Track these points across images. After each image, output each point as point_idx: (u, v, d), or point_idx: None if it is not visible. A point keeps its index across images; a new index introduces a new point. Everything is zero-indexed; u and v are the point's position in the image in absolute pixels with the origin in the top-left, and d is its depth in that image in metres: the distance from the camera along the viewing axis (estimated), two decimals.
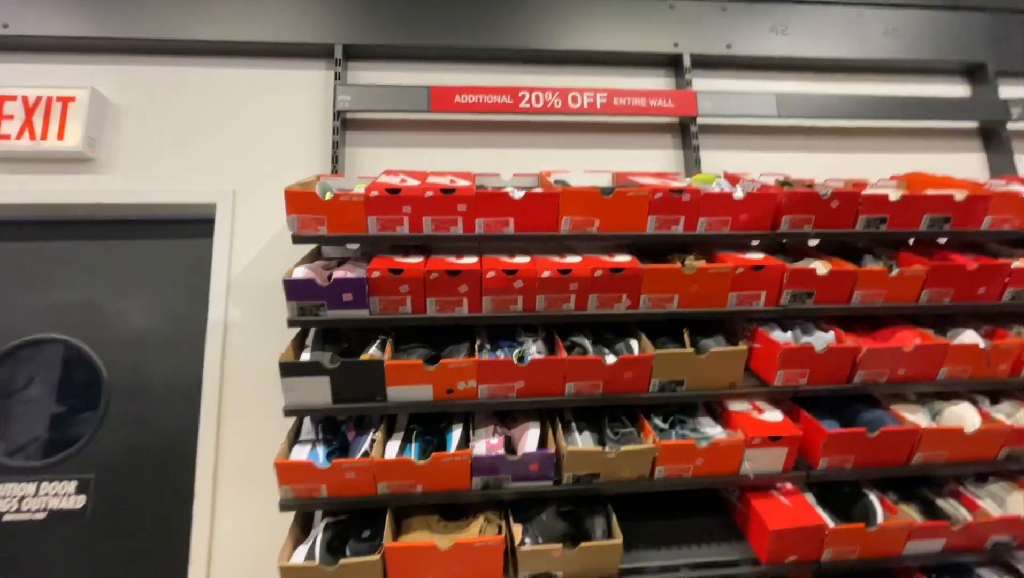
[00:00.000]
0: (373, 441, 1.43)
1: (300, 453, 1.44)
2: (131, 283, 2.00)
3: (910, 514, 1.54)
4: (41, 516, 1.88)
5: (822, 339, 1.56)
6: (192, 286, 1.98)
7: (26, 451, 1.91)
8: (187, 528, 1.82)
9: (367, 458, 1.38)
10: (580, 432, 1.52)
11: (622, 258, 1.55)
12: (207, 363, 1.87)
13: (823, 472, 1.53)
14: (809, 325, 1.65)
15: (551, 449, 1.45)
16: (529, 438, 1.47)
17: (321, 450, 1.45)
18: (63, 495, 1.89)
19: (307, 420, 1.56)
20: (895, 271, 1.58)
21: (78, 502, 1.90)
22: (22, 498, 1.88)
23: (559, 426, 1.51)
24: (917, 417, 1.59)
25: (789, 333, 1.60)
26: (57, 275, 1.98)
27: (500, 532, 1.43)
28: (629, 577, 1.44)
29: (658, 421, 1.56)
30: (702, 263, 1.53)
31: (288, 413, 1.42)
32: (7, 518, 1.86)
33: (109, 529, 1.89)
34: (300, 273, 1.44)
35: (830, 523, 1.47)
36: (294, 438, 1.50)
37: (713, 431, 1.54)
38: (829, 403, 1.65)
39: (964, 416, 1.58)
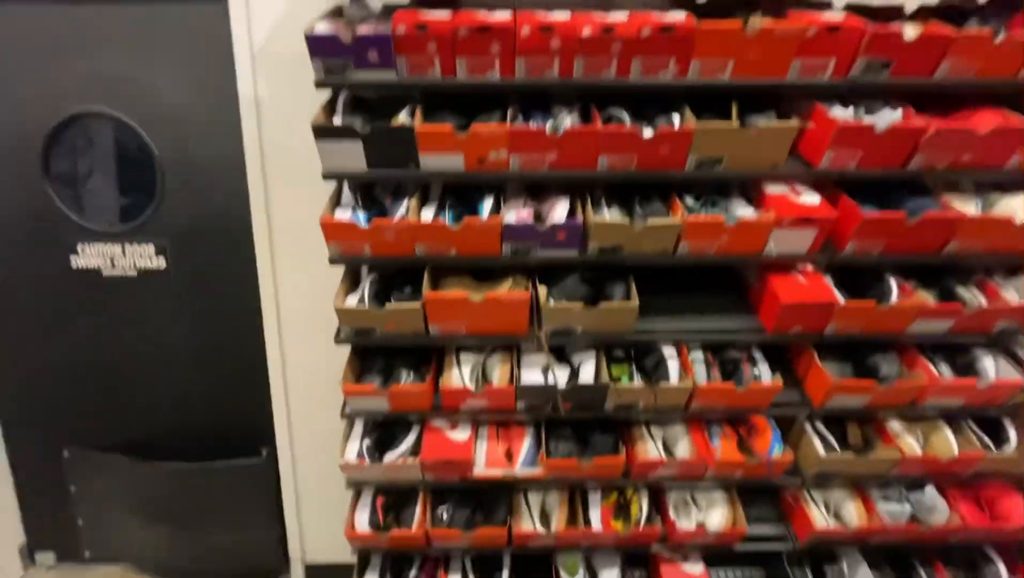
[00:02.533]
0: (409, 207, 1.51)
1: (342, 216, 1.54)
2: (157, 55, 1.94)
3: (926, 298, 1.58)
4: (133, 273, 2.18)
5: (886, 117, 1.42)
6: (219, 58, 1.91)
7: (103, 220, 2.12)
8: (255, 283, 2.09)
9: (404, 220, 1.47)
10: (609, 207, 1.55)
11: (676, 16, 1.37)
12: (246, 137, 1.91)
13: (848, 256, 1.54)
14: (877, 103, 1.49)
15: (579, 221, 1.50)
16: (558, 210, 1.51)
17: (362, 215, 1.55)
18: (146, 256, 2.16)
19: (346, 188, 1.63)
20: (1001, 35, 1.34)
21: (160, 264, 2.17)
22: (113, 258, 2.16)
23: (588, 202, 1.53)
24: (967, 207, 1.52)
25: (850, 110, 1.46)
26: (82, 45, 1.92)
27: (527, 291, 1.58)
28: (642, 336, 1.62)
29: (690, 201, 1.55)
30: (768, 22, 1.33)
31: (327, 176, 1.48)
32: (107, 274, 2.18)
33: (190, 285, 2.19)
34: (322, 28, 1.36)
35: (842, 301, 1.53)
36: (336, 202, 1.60)
37: (744, 212, 1.53)
38: (878, 191, 1.58)
39: (1019, 208, 1.50)
